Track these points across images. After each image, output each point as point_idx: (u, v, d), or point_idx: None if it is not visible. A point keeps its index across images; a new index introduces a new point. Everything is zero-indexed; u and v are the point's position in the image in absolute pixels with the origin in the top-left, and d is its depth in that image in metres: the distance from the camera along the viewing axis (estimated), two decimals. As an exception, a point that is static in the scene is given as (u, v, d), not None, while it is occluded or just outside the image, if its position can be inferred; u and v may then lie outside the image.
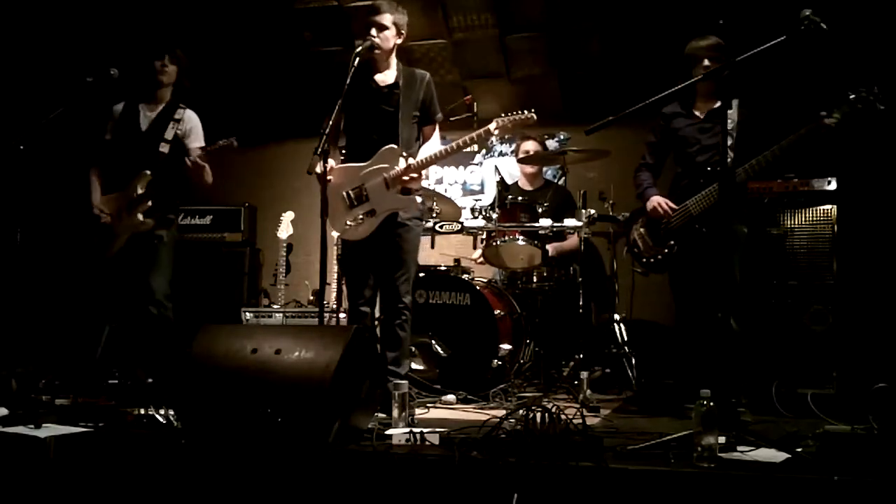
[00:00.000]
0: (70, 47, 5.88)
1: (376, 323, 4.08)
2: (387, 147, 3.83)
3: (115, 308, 4.42)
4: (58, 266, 5.65)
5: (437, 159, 3.85)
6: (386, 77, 3.93)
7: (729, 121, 3.60)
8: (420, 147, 3.91)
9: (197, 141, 4.45)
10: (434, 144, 3.93)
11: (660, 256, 4.11)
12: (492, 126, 3.79)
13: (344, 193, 3.86)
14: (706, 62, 3.92)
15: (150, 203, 4.33)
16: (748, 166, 3.75)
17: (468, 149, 3.89)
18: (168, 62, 4.43)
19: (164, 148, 4.38)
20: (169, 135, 4.39)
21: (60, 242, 5.72)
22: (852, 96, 3.59)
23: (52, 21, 5.86)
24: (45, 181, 5.40)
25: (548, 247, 4.90)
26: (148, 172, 4.36)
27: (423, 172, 3.85)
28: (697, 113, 4.10)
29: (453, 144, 3.83)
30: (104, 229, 4.39)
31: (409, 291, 3.86)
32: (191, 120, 4.47)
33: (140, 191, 4.34)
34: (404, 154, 3.81)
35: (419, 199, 3.89)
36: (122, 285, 4.39)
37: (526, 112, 3.77)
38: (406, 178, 3.76)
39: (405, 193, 3.83)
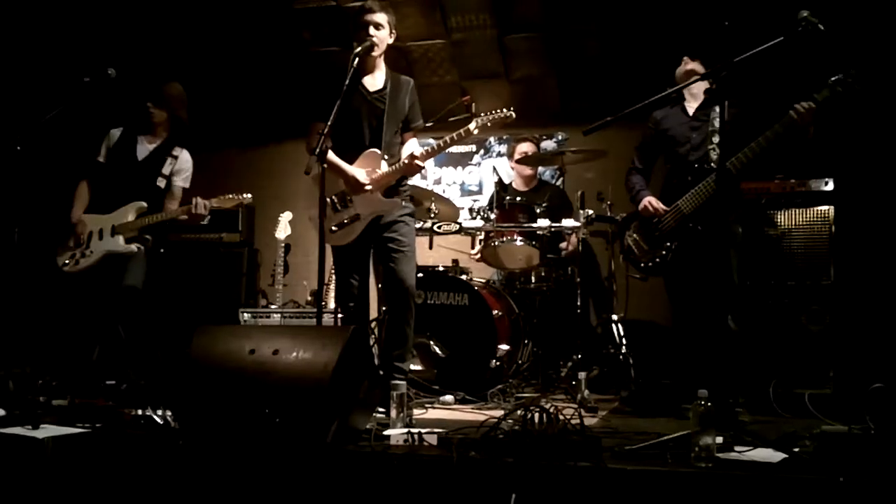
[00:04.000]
0: (69, 47, 5.87)
1: (373, 324, 4.09)
2: (369, 151, 3.84)
3: (95, 319, 4.45)
4: (56, 266, 5.63)
5: (432, 154, 3.87)
6: (375, 81, 3.93)
7: (717, 119, 3.64)
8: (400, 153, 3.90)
9: (185, 182, 4.57)
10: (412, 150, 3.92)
11: (657, 259, 4.10)
12: (471, 126, 3.81)
13: (328, 199, 3.86)
14: (685, 58, 4.05)
15: (137, 232, 4.43)
16: (735, 159, 3.76)
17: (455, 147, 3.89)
18: (153, 107, 4.52)
19: (161, 183, 4.50)
20: (166, 170, 4.50)
21: (58, 242, 5.71)
22: (832, 80, 3.63)
23: (51, 21, 5.86)
24: (44, 181, 5.40)
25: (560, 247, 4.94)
26: (145, 205, 4.46)
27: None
28: (688, 111, 4.12)
29: (439, 142, 3.85)
30: (76, 243, 4.46)
31: (413, 285, 3.85)
32: (186, 161, 4.58)
33: (130, 218, 4.44)
34: (386, 157, 3.82)
35: (401, 201, 3.89)
36: (91, 298, 4.44)
37: (504, 110, 3.80)
38: (411, 166, 3.78)
39: (388, 196, 3.84)
